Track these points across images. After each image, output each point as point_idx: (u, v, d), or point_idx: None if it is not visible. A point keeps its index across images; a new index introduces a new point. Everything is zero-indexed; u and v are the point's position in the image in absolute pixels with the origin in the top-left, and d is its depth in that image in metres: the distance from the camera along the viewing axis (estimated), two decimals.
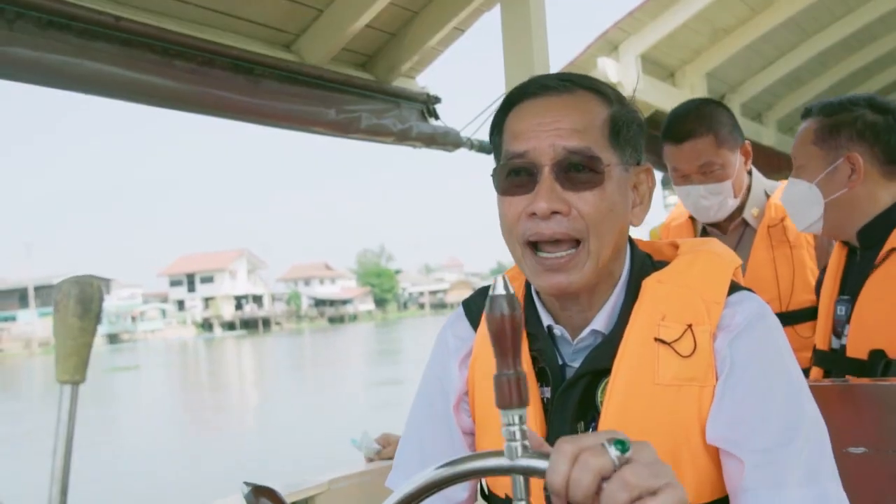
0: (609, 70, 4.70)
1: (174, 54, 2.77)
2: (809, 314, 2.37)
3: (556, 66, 4.49)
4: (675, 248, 1.26)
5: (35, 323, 65.02)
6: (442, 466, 0.85)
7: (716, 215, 2.45)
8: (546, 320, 1.22)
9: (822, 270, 2.21)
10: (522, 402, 0.79)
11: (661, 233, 2.74)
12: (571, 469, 0.78)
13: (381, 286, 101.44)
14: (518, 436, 0.80)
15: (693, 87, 5.50)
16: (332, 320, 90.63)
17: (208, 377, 35.79)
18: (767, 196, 2.52)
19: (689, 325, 1.11)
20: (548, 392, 1.19)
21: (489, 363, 1.22)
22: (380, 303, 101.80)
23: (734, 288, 1.16)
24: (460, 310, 1.34)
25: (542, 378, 1.20)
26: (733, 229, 2.53)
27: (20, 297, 70.26)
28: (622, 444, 0.78)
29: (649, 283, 1.17)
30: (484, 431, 1.25)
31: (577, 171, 1.11)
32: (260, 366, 40.81)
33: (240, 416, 21.05)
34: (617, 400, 1.11)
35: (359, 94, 3.49)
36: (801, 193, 2.02)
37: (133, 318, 77.77)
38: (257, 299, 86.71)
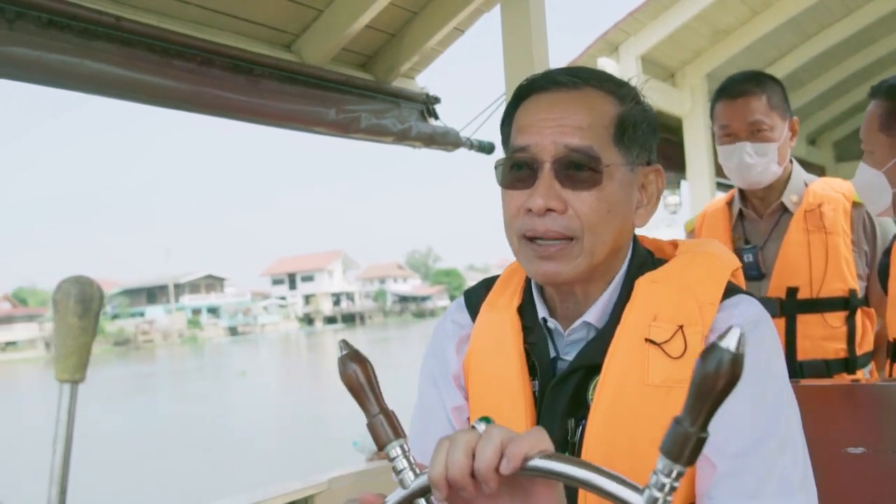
0: (609, 71, 4.69)
1: (174, 54, 2.77)
2: (840, 304, 2.31)
3: (556, 67, 4.48)
4: (676, 248, 1.24)
5: (163, 318, 76.87)
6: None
7: (759, 176, 2.40)
8: (541, 312, 1.21)
9: (886, 253, 2.12)
10: (399, 434, 0.85)
11: (697, 221, 2.68)
12: (447, 454, 0.81)
13: (451, 284, 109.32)
14: (406, 464, 0.84)
15: (693, 88, 5.50)
16: (414, 315, 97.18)
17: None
18: (806, 185, 2.48)
19: (681, 326, 1.09)
20: (536, 386, 1.18)
21: (488, 352, 1.23)
22: (451, 299, 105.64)
23: (733, 291, 1.14)
24: (461, 300, 1.34)
25: (532, 372, 1.19)
26: (770, 214, 2.47)
27: (147, 294, 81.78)
28: (487, 419, 0.83)
29: (642, 283, 1.15)
30: (475, 415, 1.24)
31: (577, 169, 1.10)
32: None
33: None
34: (607, 399, 1.10)
35: (358, 95, 3.49)
36: (870, 180, 1.96)
37: (243, 314, 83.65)
38: (349, 296, 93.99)
